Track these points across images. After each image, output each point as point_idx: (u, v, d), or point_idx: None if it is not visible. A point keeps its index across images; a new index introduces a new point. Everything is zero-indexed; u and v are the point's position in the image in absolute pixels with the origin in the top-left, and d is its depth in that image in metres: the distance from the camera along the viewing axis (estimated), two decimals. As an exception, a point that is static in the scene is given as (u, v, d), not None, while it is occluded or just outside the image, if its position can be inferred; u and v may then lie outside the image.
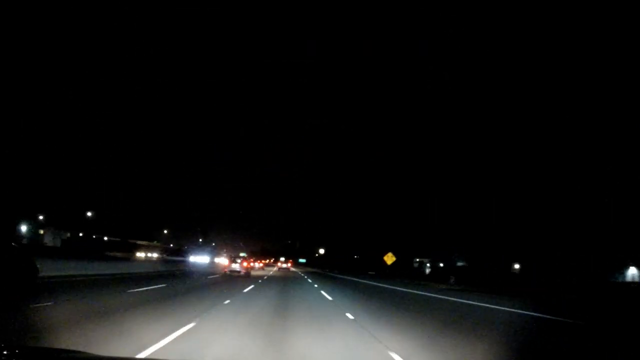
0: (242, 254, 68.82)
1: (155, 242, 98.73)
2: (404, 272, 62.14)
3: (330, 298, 15.88)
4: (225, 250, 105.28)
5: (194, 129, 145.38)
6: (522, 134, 53.50)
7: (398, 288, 26.38)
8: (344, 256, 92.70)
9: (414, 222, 73.77)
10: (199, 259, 55.22)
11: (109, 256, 47.82)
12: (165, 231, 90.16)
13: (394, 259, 39.53)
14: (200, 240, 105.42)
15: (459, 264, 62.29)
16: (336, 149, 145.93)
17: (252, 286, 19.03)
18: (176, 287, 16.64)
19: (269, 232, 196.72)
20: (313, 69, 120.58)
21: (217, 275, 28.26)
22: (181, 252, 62.78)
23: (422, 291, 23.76)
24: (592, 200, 41.45)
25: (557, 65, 52.85)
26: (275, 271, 56.54)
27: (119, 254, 53.36)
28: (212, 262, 59.45)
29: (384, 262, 40.17)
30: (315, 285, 23.34)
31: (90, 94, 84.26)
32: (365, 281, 35.23)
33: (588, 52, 45.83)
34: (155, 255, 53.38)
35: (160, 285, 16.31)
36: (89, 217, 68.50)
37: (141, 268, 30.29)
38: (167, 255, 61.69)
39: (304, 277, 36.90)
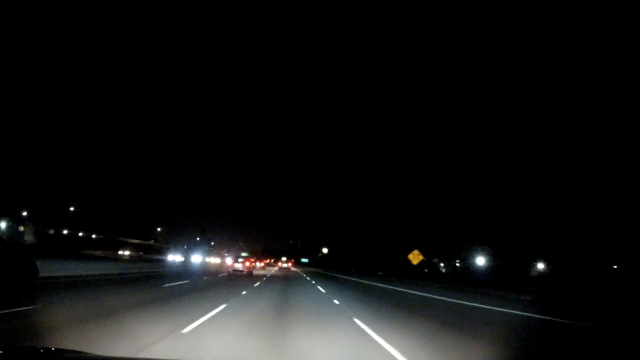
0: (243, 254, 63.59)
1: (152, 241, 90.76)
2: (417, 273, 53.99)
3: (377, 336, 6.71)
4: (225, 250, 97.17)
5: (194, 129, 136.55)
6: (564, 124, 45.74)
7: (467, 302, 16.59)
8: (348, 256, 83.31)
9: (427, 219, 64.65)
10: (179, 257, 46.06)
11: (83, 255, 39.84)
12: (159, 229, 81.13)
13: (420, 257, 30.38)
14: (198, 239, 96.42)
15: (480, 264, 53.27)
16: (341, 146, 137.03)
17: (222, 306, 9.85)
18: (42, 317, 7.36)
19: (270, 232, 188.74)
20: (315, 66, 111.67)
21: (187, 281, 18.88)
22: (160, 250, 53.16)
23: (512, 309, 14.02)
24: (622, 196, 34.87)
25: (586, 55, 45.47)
26: (276, 271, 52.14)
27: (100, 252, 45.53)
28: (204, 262, 51.91)
29: (409, 262, 30.87)
30: (336, 302, 13.81)
31: (89, 90, 76.32)
32: (392, 288, 25.67)
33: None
34: (127, 253, 43.94)
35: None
36: (71, 212, 60.52)
37: (97, 269, 21.46)
38: (144, 253, 52.35)
39: (311, 281, 27.65)
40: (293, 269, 73.67)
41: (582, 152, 42.01)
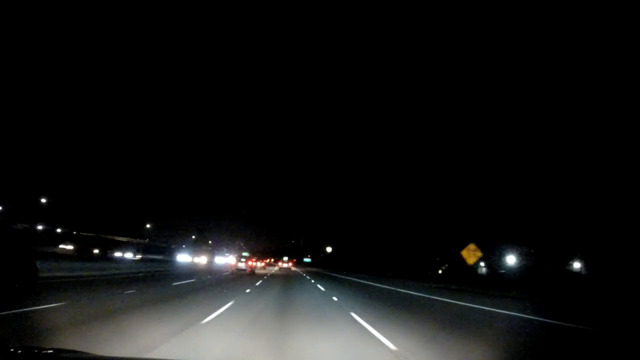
0: (244, 254, 55.18)
1: (147, 239, 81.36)
2: (431, 275, 44.13)
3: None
4: (225, 249, 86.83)
5: (195, 129, 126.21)
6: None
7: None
8: (354, 255, 72.95)
9: (442, 215, 53.60)
10: (129, 255, 35.34)
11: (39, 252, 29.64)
12: (148, 226, 70.62)
13: (479, 254, 19.97)
14: (193, 237, 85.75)
15: (509, 263, 42.70)
16: (346, 141, 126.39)
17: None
18: None
19: (272, 231, 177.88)
20: (317, 65, 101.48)
21: (63, 303, 8.04)
22: (112, 246, 42.46)
23: None
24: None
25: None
26: (276, 271, 49.82)
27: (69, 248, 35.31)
28: (192, 263, 41.98)
29: (462, 260, 20.17)
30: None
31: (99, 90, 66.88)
32: (469, 304, 14.82)
33: None
34: (70, 247, 33.26)
35: None
36: (43, 204, 50.37)
37: None
38: (111, 249, 41.88)
39: (317, 286, 17.08)
40: (294, 268, 71.68)
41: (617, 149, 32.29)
